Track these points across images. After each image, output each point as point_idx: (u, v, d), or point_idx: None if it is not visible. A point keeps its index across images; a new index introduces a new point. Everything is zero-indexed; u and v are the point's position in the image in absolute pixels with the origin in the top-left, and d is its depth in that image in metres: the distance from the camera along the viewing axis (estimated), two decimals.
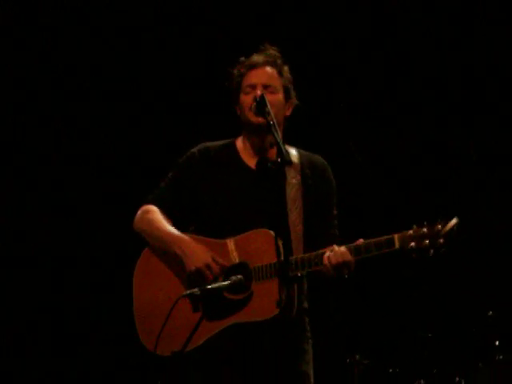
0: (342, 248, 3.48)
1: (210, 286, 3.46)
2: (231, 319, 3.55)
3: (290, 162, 3.38)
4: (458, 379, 5.38)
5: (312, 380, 3.69)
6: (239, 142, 3.81)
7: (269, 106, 3.54)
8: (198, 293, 3.44)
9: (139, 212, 3.81)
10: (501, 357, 5.42)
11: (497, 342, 5.46)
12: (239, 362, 3.59)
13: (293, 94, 3.77)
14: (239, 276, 3.50)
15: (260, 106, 3.58)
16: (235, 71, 3.78)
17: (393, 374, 5.68)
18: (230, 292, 3.52)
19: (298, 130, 3.84)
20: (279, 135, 3.44)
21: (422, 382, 5.44)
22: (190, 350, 3.57)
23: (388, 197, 6.38)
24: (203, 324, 3.56)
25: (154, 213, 3.76)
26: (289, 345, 3.55)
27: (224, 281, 3.53)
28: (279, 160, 3.36)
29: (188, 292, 3.45)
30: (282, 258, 3.40)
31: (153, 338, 3.58)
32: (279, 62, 3.76)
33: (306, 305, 3.75)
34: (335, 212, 3.79)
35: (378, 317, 6.08)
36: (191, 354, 3.58)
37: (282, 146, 3.37)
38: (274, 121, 3.49)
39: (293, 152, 3.73)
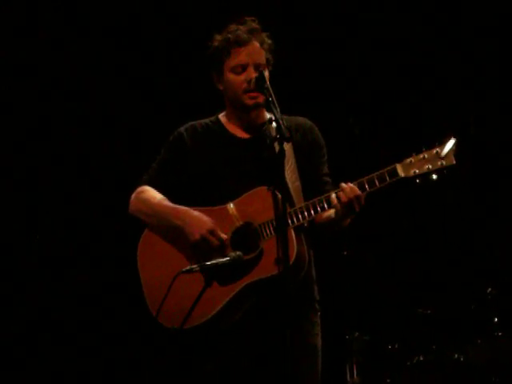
0: (350, 184, 3.51)
1: (208, 263, 3.47)
2: (243, 280, 3.55)
3: (288, 139, 3.36)
4: (456, 356, 5.39)
5: (320, 353, 3.72)
6: (223, 118, 3.85)
7: (268, 83, 3.57)
8: (198, 269, 3.46)
9: (133, 194, 3.82)
10: (499, 333, 5.44)
11: (495, 319, 5.46)
12: (245, 333, 3.61)
13: (271, 62, 3.80)
14: (238, 252, 3.52)
15: (259, 82, 3.60)
16: (216, 44, 3.77)
17: (392, 350, 5.70)
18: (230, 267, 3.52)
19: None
20: (278, 111, 3.43)
21: (421, 358, 5.45)
22: (204, 322, 3.56)
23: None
24: (218, 290, 3.56)
25: (149, 191, 3.79)
26: (297, 316, 3.57)
27: (232, 244, 3.57)
28: (278, 137, 3.35)
29: (187, 268, 3.46)
30: (281, 208, 3.36)
31: (170, 316, 3.58)
32: (261, 34, 3.76)
33: (313, 273, 3.77)
34: (327, 170, 3.84)
35: (377, 293, 6.09)
36: (200, 328, 3.58)
37: (281, 123, 3.36)
38: (273, 97, 3.49)
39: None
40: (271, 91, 3.52)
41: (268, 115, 3.76)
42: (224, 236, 3.60)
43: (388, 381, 5.47)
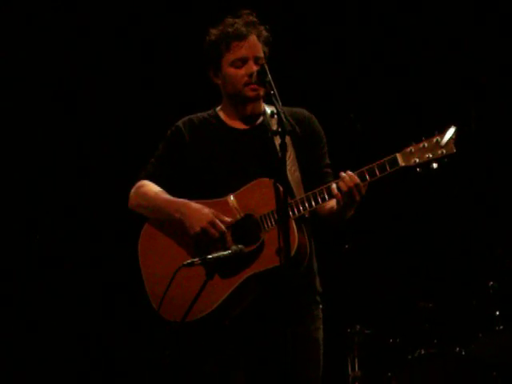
0: (349, 172, 3.51)
1: (210, 256, 3.46)
2: (245, 273, 3.55)
3: (290, 132, 3.36)
4: (458, 349, 5.39)
5: (321, 347, 3.72)
6: (220, 111, 3.84)
7: (269, 76, 3.56)
8: (199, 262, 3.45)
9: (133, 189, 3.82)
10: (501, 327, 5.42)
11: (497, 312, 5.46)
12: (246, 328, 3.62)
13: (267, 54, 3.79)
14: (240, 245, 3.52)
15: (261, 75, 3.59)
16: (213, 39, 3.76)
17: (393, 344, 5.69)
18: (231, 260, 3.51)
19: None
20: (279, 105, 3.43)
21: (423, 351, 5.45)
22: (206, 315, 3.57)
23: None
24: (219, 283, 3.56)
25: (148, 185, 3.78)
26: (298, 309, 3.58)
27: (233, 236, 3.58)
28: (279, 129, 3.35)
29: (189, 261, 3.45)
30: (282, 199, 3.35)
31: (172, 309, 3.59)
32: (258, 27, 3.75)
33: (315, 265, 3.77)
34: (328, 160, 3.83)
35: (378, 287, 6.10)
36: (201, 321, 3.58)
37: (282, 116, 3.36)
38: (275, 90, 3.49)
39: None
40: (273, 84, 3.52)
41: (267, 107, 3.77)
42: (228, 220, 3.61)
43: (389, 374, 5.46)
